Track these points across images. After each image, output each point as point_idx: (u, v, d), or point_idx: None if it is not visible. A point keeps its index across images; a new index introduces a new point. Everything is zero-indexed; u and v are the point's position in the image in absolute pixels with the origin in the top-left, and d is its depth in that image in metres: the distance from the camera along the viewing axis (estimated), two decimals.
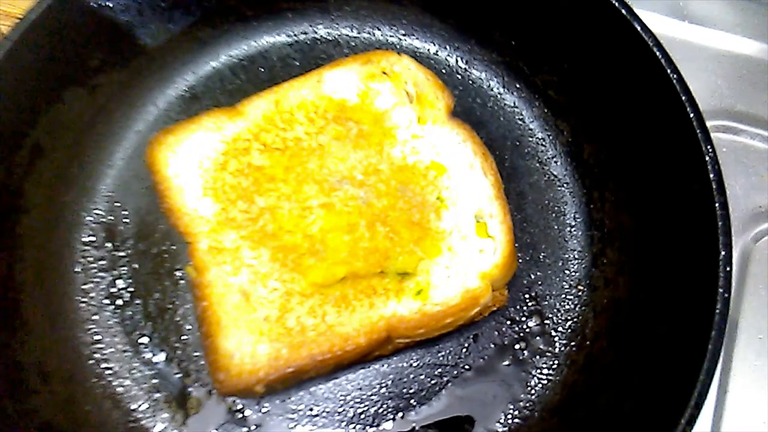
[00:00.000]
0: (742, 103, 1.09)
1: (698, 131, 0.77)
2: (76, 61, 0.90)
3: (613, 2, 0.82)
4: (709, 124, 1.04)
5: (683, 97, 0.78)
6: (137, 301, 0.90)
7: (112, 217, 0.94)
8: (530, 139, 0.99)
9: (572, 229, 0.94)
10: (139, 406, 0.86)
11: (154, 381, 0.87)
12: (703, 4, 1.14)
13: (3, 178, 0.84)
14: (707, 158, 0.75)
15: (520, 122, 1.00)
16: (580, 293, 0.91)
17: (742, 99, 1.09)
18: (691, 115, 0.77)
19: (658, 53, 0.80)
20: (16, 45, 0.81)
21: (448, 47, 1.03)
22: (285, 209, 0.83)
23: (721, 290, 0.72)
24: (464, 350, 0.89)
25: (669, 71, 0.79)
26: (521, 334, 0.90)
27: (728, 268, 0.72)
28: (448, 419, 0.86)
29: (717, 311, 0.71)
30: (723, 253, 0.73)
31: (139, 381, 0.87)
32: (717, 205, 0.74)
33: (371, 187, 0.84)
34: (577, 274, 0.92)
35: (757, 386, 0.94)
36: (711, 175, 0.75)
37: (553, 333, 0.90)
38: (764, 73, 1.11)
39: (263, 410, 0.86)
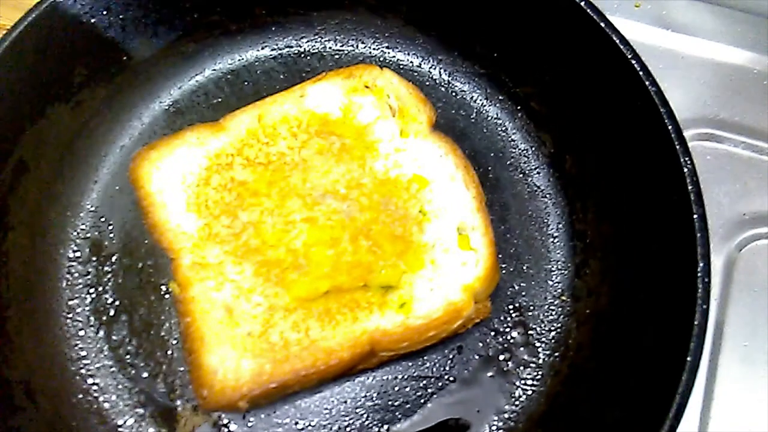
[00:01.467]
0: (726, 112, 1.10)
1: (676, 143, 0.77)
2: (60, 77, 0.90)
3: (592, 15, 0.83)
4: (692, 132, 1.07)
5: (662, 110, 0.79)
6: (123, 317, 0.90)
7: (97, 233, 0.94)
8: (513, 150, 1.00)
9: (555, 240, 0.95)
10: (125, 421, 0.86)
11: (140, 396, 0.87)
12: (686, 12, 1.15)
13: None
14: (685, 170, 0.76)
15: (502, 134, 1.00)
16: (563, 304, 0.92)
17: (725, 107, 1.10)
18: (669, 127, 0.78)
19: (636, 65, 0.81)
20: None
21: (431, 60, 1.04)
22: (268, 224, 0.84)
23: (699, 302, 0.72)
24: (449, 362, 0.89)
25: (647, 83, 0.80)
26: (505, 345, 0.90)
27: (706, 280, 0.73)
28: (432, 431, 0.86)
29: (696, 323, 0.72)
30: (701, 264, 0.73)
31: (124, 396, 0.87)
32: (695, 216, 0.75)
33: (354, 201, 0.85)
34: (560, 284, 0.93)
35: (743, 393, 0.94)
36: (689, 187, 0.76)
37: (537, 344, 0.90)
38: (748, 82, 1.12)
39: (249, 425, 0.86)
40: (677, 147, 0.77)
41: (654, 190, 0.82)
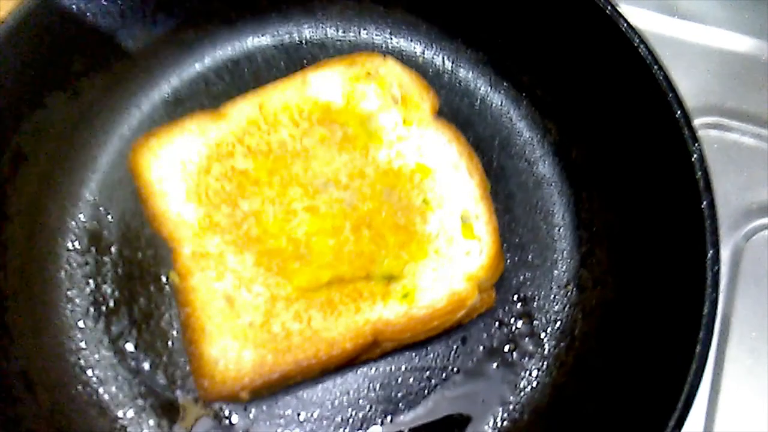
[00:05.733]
0: (733, 100, 1.08)
1: (685, 130, 0.76)
2: (58, 66, 0.89)
3: (597, 1, 0.82)
4: (699, 121, 1.05)
5: (669, 96, 0.77)
6: (122, 308, 0.89)
7: (96, 223, 0.93)
8: (518, 138, 0.98)
9: (560, 230, 0.94)
10: (125, 413, 0.85)
11: (140, 388, 0.86)
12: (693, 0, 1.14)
13: None
14: (694, 157, 0.75)
15: (507, 122, 0.99)
16: (568, 294, 0.91)
17: (732, 96, 1.08)
18: (678, 113, 0.76)
19: (643, 52, 0.79)
20: None
21: (434, 47, 1.02)
22: (269, 213, 0.83)
23: (708, 290, 0.71)
24: (453, 353, 0.88)
25: (655, 69, 0.79)
26: (510, 336, 0.89)
27: (716, 268, 0.72)
28: (437, 422, 0.85)
29: (705, 311, 0.70)
30: (710, 252, 0.72)
31: (124, 388, 0.86)
32: (704, 204, 0.74)
33: (356, 191, 0.84)
34: (566, 274, 0.92)
35: (750, 385, 0.93)
36: (698, 174, 0.74)
37: (542, 334, 0.89)
38: (755, 70, 1.10)
39: (250, 416, 0.85)
40: (685, 133, 0.76)
41: (661, 178, 0.80)
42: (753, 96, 1.08)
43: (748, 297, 0.97)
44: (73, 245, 0.92)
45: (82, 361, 0.87)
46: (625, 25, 0.80)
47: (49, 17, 0.85)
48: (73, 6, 0.87)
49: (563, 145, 0.96)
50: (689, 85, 1.08)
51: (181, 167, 0.86)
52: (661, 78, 0.78)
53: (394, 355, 0.87)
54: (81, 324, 0.88)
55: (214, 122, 0.88)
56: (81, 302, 0.89)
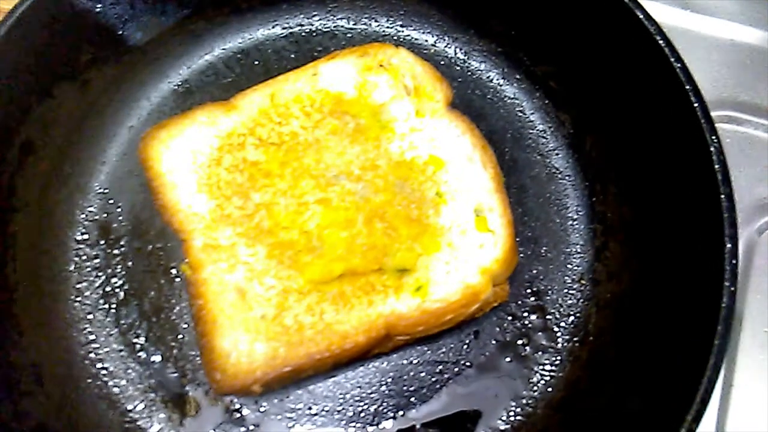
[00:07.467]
0: (746, 93, 1.07)
1: (703, 121, 0.75)
2: (67, 56, 0.89)
3: None
4: (712, 114, 1.04)
5: (687, 87, 0.76)
6: (132, 300, 0.89)
7: (106, 215, 0.92)
8: (531, 131, 0.97)
9: (574, 223, 0.93)
10: (136, 406, 0.85)
11: (151, 381, 0.85)
12: None
13: None
14: (712, 149, 0.74)
15: (520, 114, 0.98)
16: (582, 288, 0.90)
17: (745, 89, 1.07)
18: (696, 104, 0.76)
19: (661, 42, 0.79)
20: (4, 40, 0.80)
21: (446, 38, 1.01)
22: (281, 205, 0.82)
23: (727, 284, 0.70)
24: (465, 347, 0.87)
25: (673, 60, 0.78)
26: (523, 330, 0.88)
27: (734, 261, 0.71)
28: (449, 417, 0.85)
29: (723, 305, 0.70)
30: (729, 245, 0.71)
31: (135, 381, 0.85)
32: (722, 196, 0.73)
33: (369, 183, 0.83)
34: (580, 268, 0.91)
35: (763, 380, 0.92)
36: (716, 166, 0.73)
37: (556, 328, 0.88)
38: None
39: (261, 409, 0.84)
40: (703, 125, 0.75)
41: (678, 170, 0.80)
42: (766, 89, 1.07)
43: (761, 292, 0.96)
44: (83, 237, 0.91)
45: (92, 354, 0.86)
46: (643, 15, 0.79)
47: (58, 7, 0.85)
48: None
49: (577, 137, 0.95)
50: (702, 78, 1.05)
51: (192, 158, 0.85)
52: (678, 69, 0.77)
53: (407, 348, 0.87)
54: (91, 317, 0.88)
55: (225, 113, 0.87)
56: (91, 295, 0.89)
